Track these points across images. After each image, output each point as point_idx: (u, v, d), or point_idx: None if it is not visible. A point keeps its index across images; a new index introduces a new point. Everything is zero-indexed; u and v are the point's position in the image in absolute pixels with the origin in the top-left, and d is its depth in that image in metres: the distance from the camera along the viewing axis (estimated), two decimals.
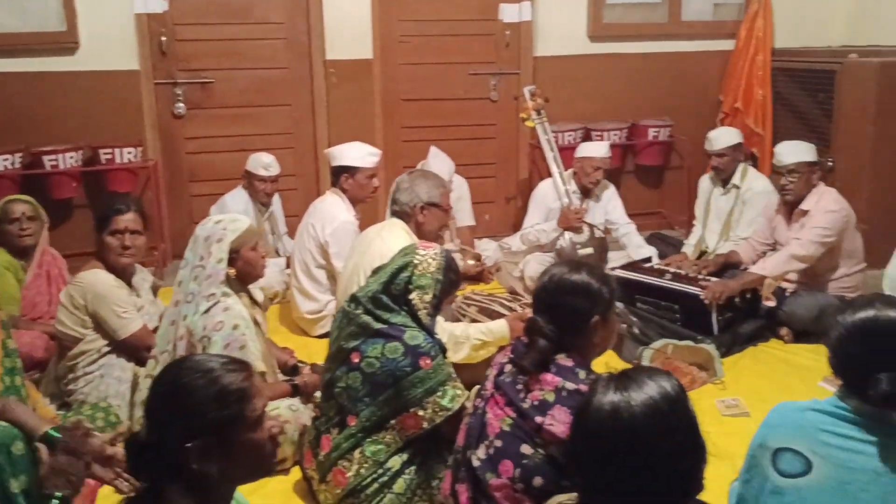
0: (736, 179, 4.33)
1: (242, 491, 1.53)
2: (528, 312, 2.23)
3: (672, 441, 1.25)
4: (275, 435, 1.38)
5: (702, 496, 2.03)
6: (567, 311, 1.94)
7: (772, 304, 3.60)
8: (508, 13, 5.14)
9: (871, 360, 1.57)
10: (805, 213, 3.65)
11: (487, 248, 4.67)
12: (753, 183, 4.33)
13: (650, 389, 1.28)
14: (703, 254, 4.40)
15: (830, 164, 4.70)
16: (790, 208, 3.76)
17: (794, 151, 3.68)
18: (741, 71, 5.28)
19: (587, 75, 5.33)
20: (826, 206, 3.59)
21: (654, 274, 3.82)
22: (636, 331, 3.56)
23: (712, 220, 4.44)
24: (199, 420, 1.30)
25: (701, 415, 2.94)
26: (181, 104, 4.83)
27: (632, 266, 3.99)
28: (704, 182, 4.53)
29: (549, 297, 1.98)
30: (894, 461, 1.53)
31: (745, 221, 4.27)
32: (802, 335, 3.55)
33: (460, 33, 5.19)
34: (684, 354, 3.33)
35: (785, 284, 3.75)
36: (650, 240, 4.59)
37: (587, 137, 5.15)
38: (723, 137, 4.33)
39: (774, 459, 1.64)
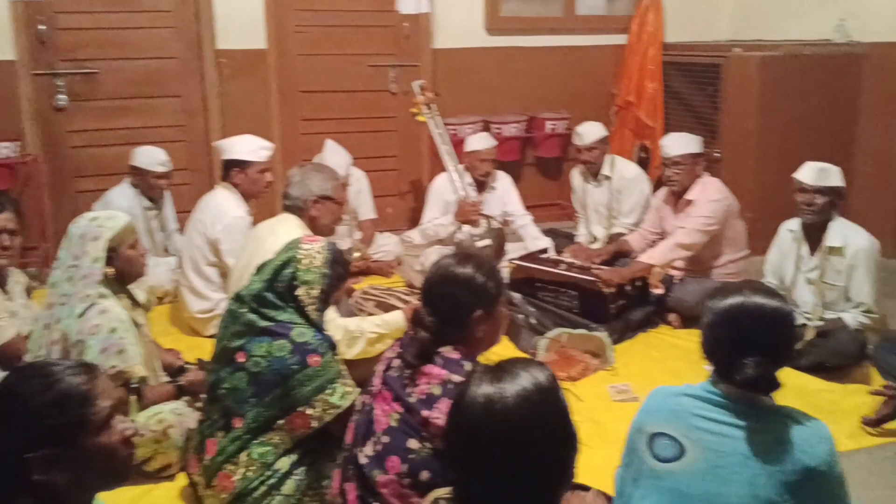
0: (606, 170, 4.46)
1: (113, 497, 1.46)
2: None
3: (543, 431, 1.26)
4: (128, 437, 1.32)
5: (594, 480, 2.08)
6: (449, 304, 1.94)
7: (660, 291, 3.71)
8: (406, 5, 5.10)
9: (739, 345, 1.62)
10: (690, 202, 3.78)
11: (388, 242, 4.64)
12: (624, 171, 4.48)
13: (523, 380, 1.28)
14: (593, 244, 4.52)
15: (717, 155, 4.89)
16: (676, 198, 3.89)
17: (679, 143, 3.80)
18: (634, 65, 5.42)
19: (485, 68, 5.36)
20: (709, 196, 3.72)
21: (551, 264, 3.87)
22: (533, 321, 3.61)
23: (592, 213, 4.56)
24: (37, 428, 1.22)
25: (593, 401, 3.03)
26: (63, 96, 4.58)
27: (529, 257, 4.03)
28: (576, 177, 4.65)
29: (432, 289, 1.98)
30: (761, 445, 1.58)
31: (626, 209, 4.42)
32: (689, 320, 3.67)
33: (358, 24, 5.13)
34: (578, 342, 3.39)
35: (673, 272, 3.87)
36: (544, 234, 4.65)
37: (486, 130, 5.18)
38: (591, 131, 4.42)
39: (651, 444, 1.68)
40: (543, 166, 5.67)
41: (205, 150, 4.85)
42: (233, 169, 3.65)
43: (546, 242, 4.33)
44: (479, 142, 4.40)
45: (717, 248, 3.82)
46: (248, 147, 3.66)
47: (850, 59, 4.76)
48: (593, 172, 4.50)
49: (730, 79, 4.79)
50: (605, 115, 5.38)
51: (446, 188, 4.41)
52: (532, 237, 4.40)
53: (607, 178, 4.47)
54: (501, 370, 1.30)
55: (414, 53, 5.24)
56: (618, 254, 4.09)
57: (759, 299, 1.66)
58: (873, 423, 2.74)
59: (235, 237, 3.45)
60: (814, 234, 3.36)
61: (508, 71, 5.41)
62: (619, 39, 5.56)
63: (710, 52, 5.08)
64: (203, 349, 3.33)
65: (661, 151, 3.91)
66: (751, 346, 1.61)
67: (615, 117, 5.49)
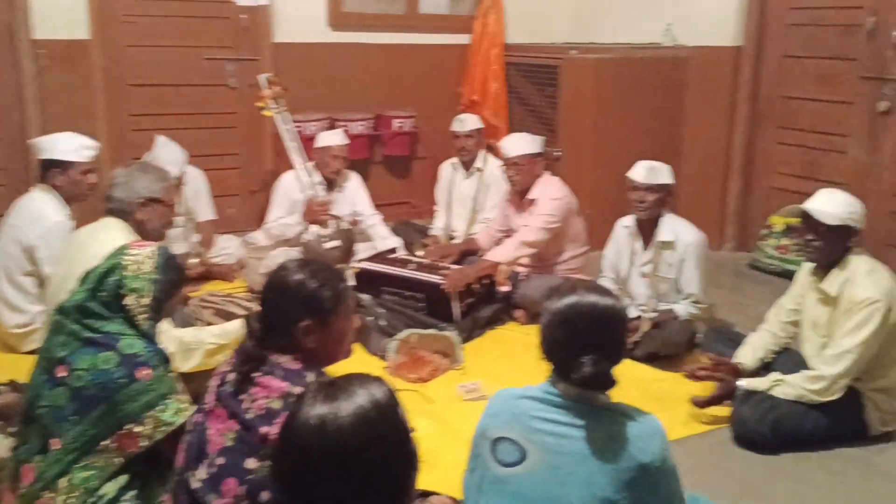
0: (479, 163, 4.54)
1: None
2: None
3: (381, 451, 1.19)
4: None
5: (444, 483, 2.05)
6: (274, 311, 1.84)
7: (506, 288, 3.76)
8: None
9: (575, 345, 1.64)
10: (532, 202, 3.86)
11: (230, 245, 4.43)
12: (494, 167, 4.57)
13: (359, 398, 1.22)
14: (452, 238, 4.55)
15: (558, 154, 5.04)
16: (518, 197, 3.96)
17: (517, 144, 3.86)
18: (477, 64, 5.48)
19: (330, 64, 5.25)
20: (550, 195, 3.81)
21: (399, 264, 3.84)
22: (383, 322, 3.56)
23: (457, 205, 4.59)
24: None
25: (443, 402, 3.02)
26: None
27: (378, 257, 3.98)
28: (446, 169, 4.69)
29: (264, 294, 1.87)
30: (598, 443, 1.60)
31: (490, 204, 4.49)
32: (536, 316, 3.72)
33: (192, 15, 4.88)
34: (428, 343, 3.37)
35: (518, 269, 3.95)
36: (397, 227, 4.62)
37: (332, 128, 5.07)
38: (471, 119, 4.58)
39: (494, 449, 1.66)
40: (391, 165, 5.63)
41: (20, 148, 4.42)
42: (52, 169, 3.34)
43: (395, 242, 4.28)
44: (332, 138, 4.30)
45: (559, 245, 3.93)
46: (70, 146, 3.36)
47: (676, 62, 5.04)
48: (466, 162, 4.54)
49: (567, 80, 4.95)
50: (452, 114, 5.36)
51: (293, 186, 4.27)
52: (381, 237, 4.34)
53: (479, 170, 4.52)
54: (336, 388, 1.23)
55: (253, 47, 5.05)
56: (466, 252, 4.12)
57: (593, 298, 1.68)
58: (703, 403, 2.87)
59: (54, 244, 3.16)
60: (647, 230, 3.52)
61: (353, 67, 5.33)
62: (463, 39, 5.61)
63: (549, 53, 5.23)
64: (20, 367, 3.03)
65: (501, 152, 3.97)
66: (586, 344, 1.63)
67: None
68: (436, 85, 5.60)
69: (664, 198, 3.41)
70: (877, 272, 2.68)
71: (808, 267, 2.92)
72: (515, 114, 5.59)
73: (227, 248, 4.39)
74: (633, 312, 3.57)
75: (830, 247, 2.70)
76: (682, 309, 3.41)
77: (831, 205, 2.69)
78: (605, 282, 3.72)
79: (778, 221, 4.57)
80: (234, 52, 5.02)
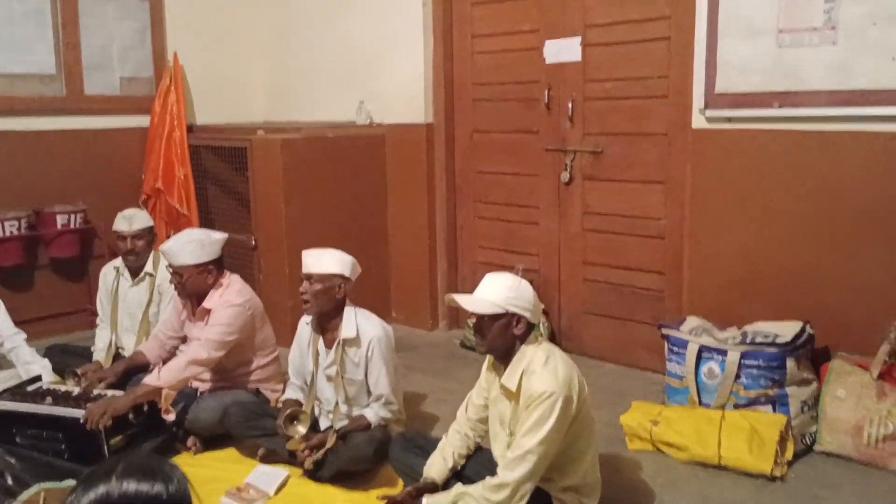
0: (149, 268, 3.89)
1: None
2: None
3: None
4: None
5: None
6: None
7: (171, 417, 3.16)
8: None
9: None
10: (208, 311, 3.33)
11: None
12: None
13: None
14: (118, 357, 3.84)
15: (254, 242, 4.60)
16: (193, 304, 3.43)
17: (180, 252, 3.28)
18: (158, 149, 4.92)
19: None
20: (228, 301, 3.31)
21: (33, 399, 3.11)
22: (9, 480, 2.82)
23: (123, 316, 3.90)
24: None
25: None
26: None
27: (11, 391, 3.21)
28: (108, 274, 3.98)
29: None
30: None
31: (167, 315, 3.83)
32: (211, 442, 3.21)
33: None
34: (62, 497, 2.69)
35: (196, 384, 3.39)
36: (50, 351, 3.84)
37: None
38: (139, 217, 3.89)
39: None
40: (62, 268, 4.84)
41: None
42: None
43: (41, 367, 3.52)
44: None
45: (245, 355, 3.42)
46: None
47: (372, 140, 4.85)
48: (135, 268, 3.85)
49: (256, 162, 4.56)
50: (133, 204, 4.77)
51: None
52: (23, 362, 3.56)
53: (151, 276, 3.85)
54: None
55: None
56: (131, 369, 3.48)
57: (132, 486, 1.21)
58: None
59: None
60: (328, 326, 3.13)
61: (3, 159, 4.54)
62: (142, 122, 5.04)
63: (237, 135, 4.83)
64: None
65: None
66: None
67: (144, 206, 4.92)
68: (112, 173, 4.97)
69: (334, 289, 3.04)
70: (553, 361, 2.46)
71: (490, 359, 2.69)
72: (213, 200, 5.09)
73: None
74: (324, 423, 3.16)
75: (493, 337, 2.47)
76: (373, 413, 3.05)
77: (489, 292, 2.47)
78: (293, 390, 3.28)
79: None
80: None
